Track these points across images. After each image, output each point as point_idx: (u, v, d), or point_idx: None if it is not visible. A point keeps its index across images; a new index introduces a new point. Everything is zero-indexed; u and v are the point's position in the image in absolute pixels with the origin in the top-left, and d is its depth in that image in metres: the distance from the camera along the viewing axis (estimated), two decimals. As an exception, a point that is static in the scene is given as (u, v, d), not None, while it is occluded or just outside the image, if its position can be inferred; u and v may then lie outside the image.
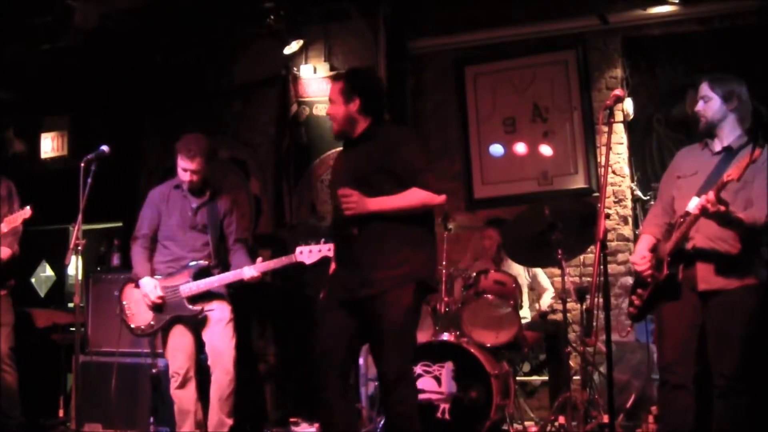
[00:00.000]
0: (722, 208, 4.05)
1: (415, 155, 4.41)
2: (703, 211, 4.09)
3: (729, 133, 4.51)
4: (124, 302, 5.83)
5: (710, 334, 4.35)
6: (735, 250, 4.29)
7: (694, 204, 4.23)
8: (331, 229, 4.74)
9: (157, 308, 5.71)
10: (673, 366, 4.44)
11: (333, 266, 4.65)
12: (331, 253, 5.13)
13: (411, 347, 4.41)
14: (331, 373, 4.36)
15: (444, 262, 6.39)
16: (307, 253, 5.49)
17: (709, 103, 4.52)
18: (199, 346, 5.79)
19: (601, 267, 3.99)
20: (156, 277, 5.77)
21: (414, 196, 4.29)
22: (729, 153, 4.45)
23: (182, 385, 5.72)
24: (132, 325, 5.81)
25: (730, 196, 4.15)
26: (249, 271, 5.61)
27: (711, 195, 4.04)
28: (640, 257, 4.54)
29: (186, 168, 5.75)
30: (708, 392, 4.35)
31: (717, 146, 4.53)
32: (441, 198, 4.32)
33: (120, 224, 8.40)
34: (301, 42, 8.50)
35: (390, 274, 4.25)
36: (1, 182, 6.27)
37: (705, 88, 4.56)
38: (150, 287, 5.70)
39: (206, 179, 5.89)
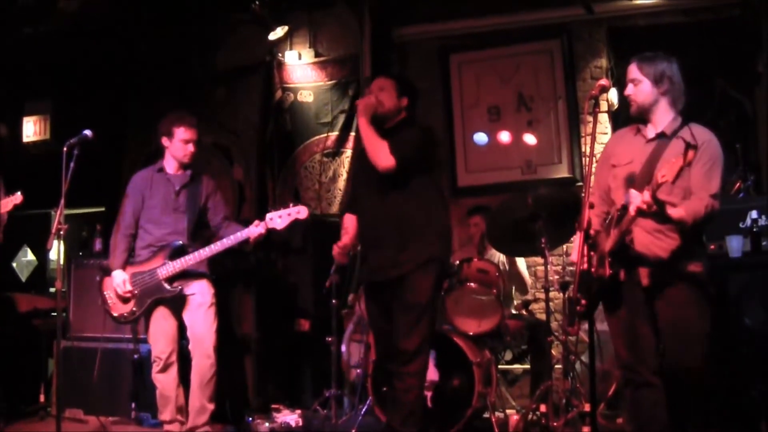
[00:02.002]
0: (655, 208, 3.91)
1: (411, 137, 4.83)
2: (640, 213, 3.95)
3: (662, 118, 4.34)
4: (106, 292, 5.80)
5: (662, 332, 4.22)
6: (675, 242, 4.17)
7: (630, 198, 4.06)
8: (357, 212, 5.09)
9: (128, 299, 5.71)
10: (633, 365, 4.32)
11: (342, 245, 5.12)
12: (301, 216, 5.48)
13: (431, 327, 4.80)
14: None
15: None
16: (278, 219, 5.48)
17: (639, 86, 4.34)
18: (182, 330, 5.78)
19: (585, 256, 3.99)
20: (137, 260, 5.76)
21: (379, 143, 4.73)
22: (663, 139, 4.29)
23: (164, 370, 5.72)
24: (115, 314, 5.79)
25: (667, 186, 3.94)
26: (255, 229, 5.54)
27: (647, 196, 3.89)
28: (578, 256, 4.24)
29: (189, 138, 5.79)
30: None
31: (650, 132, 4.37)
32: (389, 161, 4.68)
33: (102, 209, 8.37)
34: (285, 28, 8.48)
35: (416, 255, 4.71)
36: None
37: (633, 71, 4.38)
38: (119, 281, 5.71)
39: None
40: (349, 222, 5.14)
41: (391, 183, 4.76)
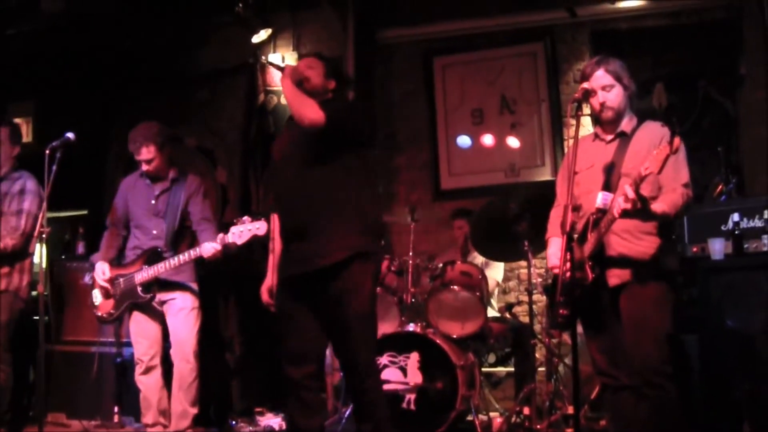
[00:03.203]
0: (639, 205, 3.85)
1: (341, 102, 4.56)
2: (624, 214, 3.92)
3: (623, 119, 4.35)
4: (94, 290, 5.81)
5: (624, 328, 4.19)
6: (649, 243, 4.17)
7: (605, 200, 4.07)
8: (276, 203, 4.67)
9: (109, 293, 5.69)
10: (610, 370, 4.32)
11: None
12: (260, 232, 5.20)
13: (375, 333, 4.50)
14: (309, 376, 4.40)
15: (411, 253, 6.41)
16: (238, 234, 5.30)
17: (613, 92, 4.29)
18: (166, 333, 5.76)
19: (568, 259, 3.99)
20: (124, 261, 5.75)
21: (307, 99, 4.30)
22: (623, 138, 4.30)
23: (146, 372, 5.70)
24: (98, 314, 5.81)
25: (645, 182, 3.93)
26: (208, 248, 5.44)
27: (630, 193, 3.83)
28: (559, 261, 4.10)
29: (138, 159, 5.75)
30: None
31: (609, 135, 4.37)
32: (318, 115, 4.20)
33: (85, 212, 8.33)
34: (269, 30, 8.46)
35: (346, 244, 4.26)
36: (19, 179, 6.11)
37: (604, 77, 4.30)
38: (98, 270, 5.72)
39: (167, 165, 5.85)
40: (276, 225, 4.69)
41: (316, 159, 4.31)
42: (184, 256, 5.54)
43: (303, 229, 4.34)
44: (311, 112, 4.21)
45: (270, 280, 4.62)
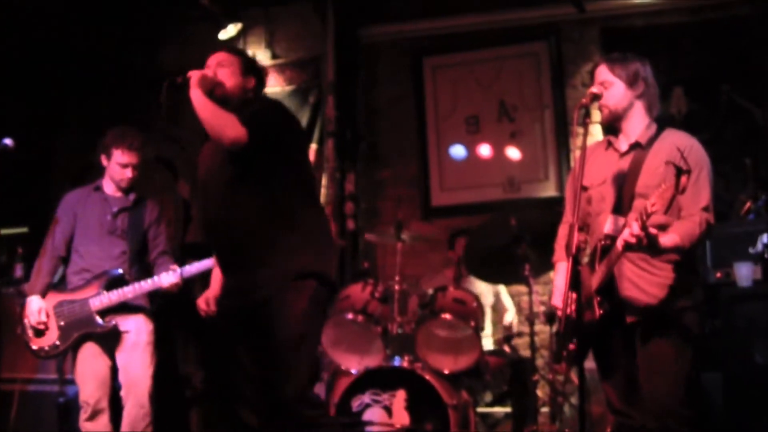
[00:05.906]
0: (646, 241, 3.78)
1: (261, 107, 4.38)
2: (628, 248, 3.85)
3: (635, 125, 4.26)
4: (26, 320, 5.66)
5: (640, 368, 4.14)
6: (666, 274, 4.10)
7: (611, 226, 4.07)
8: (206, 234, 4.59)
9: (43, 331, 5.55)
10: (626, 410, 4.25)
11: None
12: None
13: (305, 363, 4.25)
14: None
15: (397, 277, 6.34)
16: (196, 267, 5.40)
17: (611, 89, 4.25)
18: (115, 372, 5.65)
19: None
20: (68, 287, 5.63)
21: (224, 113, 4.14)
22: (639, 149, 4.22)
23: (92, 417, 5.55)
24: (34, 347, 5.63)
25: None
26: (168, 278, 5.44)
27: (636, 229, 3.76)
28: (563, 299, 4.07)
29: (127, 162, 5.66)
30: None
31: (623, 145, 4.29)
32: (239, 131, 4.06)
33: (25, 230, 8.24)
34: (239, 26, 8.48)
35: (281, 269, 4.16)
36: None
37: (604, 72, 4.29)
38: (33, 308, 5.54)
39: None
40: None
41: (241, 174, 4.21)
42: (146, 284, 5.48)
43: (234, 259, 4.30)
44: (231, 130, 4.08)
45: (212, 290, 4.60)
